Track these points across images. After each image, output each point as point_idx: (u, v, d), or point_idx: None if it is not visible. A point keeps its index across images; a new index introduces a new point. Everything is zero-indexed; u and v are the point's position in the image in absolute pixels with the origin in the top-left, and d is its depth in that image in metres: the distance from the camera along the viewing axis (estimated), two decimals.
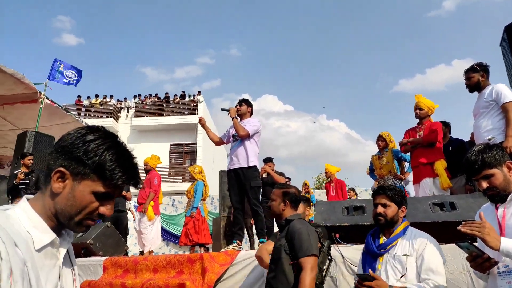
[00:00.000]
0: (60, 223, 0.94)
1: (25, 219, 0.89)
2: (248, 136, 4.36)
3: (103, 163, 0.91)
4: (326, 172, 7.70)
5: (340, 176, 7.71)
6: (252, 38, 51.61)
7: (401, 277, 2.07)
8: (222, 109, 4.53)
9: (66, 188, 0.92)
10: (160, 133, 20.23)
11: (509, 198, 1.78)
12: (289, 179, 7.51)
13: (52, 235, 0.92)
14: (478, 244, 1.87)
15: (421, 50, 55.04)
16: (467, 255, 1.77)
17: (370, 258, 2.28)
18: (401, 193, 2.31)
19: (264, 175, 6.23)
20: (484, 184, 1.80)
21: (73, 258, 1.06)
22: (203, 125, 4.54)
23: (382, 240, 2.26)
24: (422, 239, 2.14)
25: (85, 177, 0.91)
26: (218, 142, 4.70)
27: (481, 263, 1.71)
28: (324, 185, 8.86)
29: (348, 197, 9.83)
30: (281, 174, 6.59)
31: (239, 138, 4.38)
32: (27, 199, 0.94)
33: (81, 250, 4.38)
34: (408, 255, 2.10)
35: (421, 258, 2.08)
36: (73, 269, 1.04)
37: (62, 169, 0.91)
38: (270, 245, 2.68)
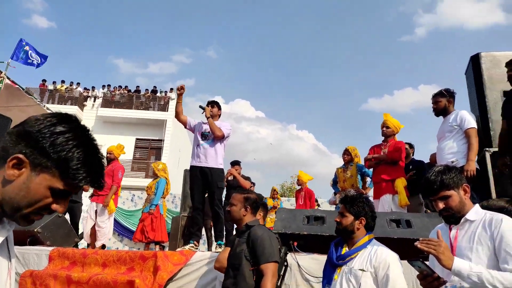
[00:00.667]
0: (3, 210, 0.84)
1: None
2: (223, 138, 4.34)
3: (69, 161, 0.84)
4: (298, 180, 7.66)
5: (308, 186, 7.70)
6: (231, 41, 51.60)
7: None
8: (201, 107, 4.43)
9: (21, 177, 0.83)
10: (127, 126, 19.72)
11: (462, 220, 1.83)
12: (254, 184, 7.47)
13: None
14: (430, 263, 1.91)
15: (391, 72, 57.13)
16: (418, 273, 1.79)
17: (329, 267, 2.26)
18: (362, 204, 2.28)
19: (229, 178, 6.15)
20: (441, 205, 1.85)
21: (11, 248, 0.96)
22: (180, 94, 4.32)
23: (344, 250, 2.24)
24: (384, 256, 2.08)
25: (45, 170, 0.83)
26: (182, 120, 4.48)
27: (431, 281, 1.74)
28: (286, 193, 8.89)
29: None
30: (247, 178, 6.53)
31: (211, 138, 4.32)
32: None
33: (28, 238, 4.13)
34: (364, 270, 2.05)
35: (385, 277, 2.02)
36: (9, 261, 0.94)
37: (21, 156, 0.82)
38: (227, 253, 2.63)
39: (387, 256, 2.07)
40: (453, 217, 1.85)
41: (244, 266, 2.25)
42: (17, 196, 0.83)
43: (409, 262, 1.79)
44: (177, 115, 4.48)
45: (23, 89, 8.61)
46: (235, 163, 6.51)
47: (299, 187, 7.71)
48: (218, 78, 52.34)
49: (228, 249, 2.67)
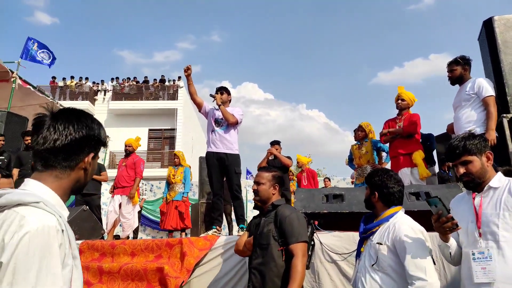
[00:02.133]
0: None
1: (51, 198, 0.98)
2: (237, 124, 4.37)
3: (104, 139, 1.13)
4: (298, 162, 7.82)
5: (319, 165, 7.91)
6: (234, 24, 51.05)
7: (372, 265, 2.01)
8: (211, 95, 4.44)
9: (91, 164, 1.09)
10: (139, 117, 19.87)
11: (485, 187, 1.84)
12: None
13: (67, 211, 1.03)
14: (453, 234, 1.92)
15: (400, 43, 55.94)
16: (434, 216, 1.82)
17: (360, 241, 2.26)
18: (376, 178, 2.20)
19: (270, 158, 6.03)
20: (461, 170, 1.86)
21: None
22: (188, 75, 4.28)
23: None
24: (402, 229, 1.97)
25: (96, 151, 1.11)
26: (198, 102, 4.49)
27: (445, 222, 1.77)
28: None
29: (324, 186, 10.06)
30: (288, 157, 6.29)
31: (225, 124, 4.36)
32: (38, 180, 1.01)
33: None
34: (381, 244, 2.02)
35: (403, 250, 1.91)
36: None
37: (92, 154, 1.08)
38: (245, 236, 2.59)
39: (405, 229, 1.97)
40: (473, 182, 1.85)
41: (272, 246, 2.23)
42: (88, 176, 1.11)
43: (427, 201, 1.82)
44: (192, 97, 4.49)
45: (35, 87, 8.71)
46: (275, 143, 6.30)
47: (300, 168, 7.88)
48: (224, 63, 52.13)
49: (247, 233, 2.62)
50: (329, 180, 10.22)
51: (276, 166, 6.00)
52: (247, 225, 2.85)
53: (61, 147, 1.01)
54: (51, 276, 0.86)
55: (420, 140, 4.98)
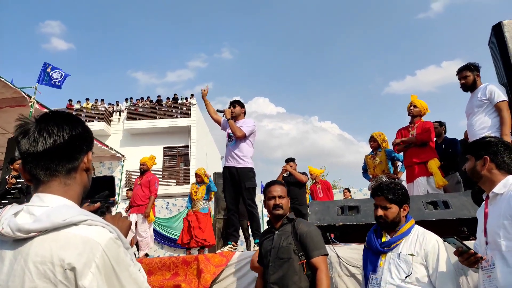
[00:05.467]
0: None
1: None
2: (245, 137, 4.37)
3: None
4: (311, 174, 7.75)
5: (335, 177, 7.84)
6: (244, 41, 51.73)
7: (406, 277, 2.01)
8: (218, 111, 4.51)
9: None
10: (153, 136, 20.13)
11: (490, 195, 1.83)
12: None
13: None
14: (473, 247, 1.93)
15: (411, 52, 55.66)
16: (456, 252, 1.85)
17: (371, 254, 2.23)
18: (401, 191, 2.20)
19: (285, 174, 6.23)
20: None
21: None
22: (204, 95, 4.45)
23: (385, 238, 2.20)
24: (434, 241, 2.07)
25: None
26: (216, 120, 4.64)
27: (467, 258, 1.79)
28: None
29: (344, 197, 9.91)
30: (303, 174, 6.52)
31: (235, 138, 4.39)
32: (51, 193, 0.94)
33: None
34: (414, 255, 2.03)
35: (436, 261, 2.00)
36: None
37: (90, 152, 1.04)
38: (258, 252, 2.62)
39: (436, 241, 2.07)
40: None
41: (294, 260, 2.24)
42: (90, 178, 1.07)
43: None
44: (211, 117, 4.65)
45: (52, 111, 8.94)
46: (290, 160, 6.54)
47: (314, 180, 7.78)
48: (235, 79, 52.71)
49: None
50: (349, 191, 10.01)
51: (291, 182, 6.06)
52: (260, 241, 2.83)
53: (61, 146, 0.94)
54: (134, 283, 0.88)
55: (443, 146, 4.91)
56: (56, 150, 0.94)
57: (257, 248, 4.01)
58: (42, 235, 0.84)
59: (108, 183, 1.28)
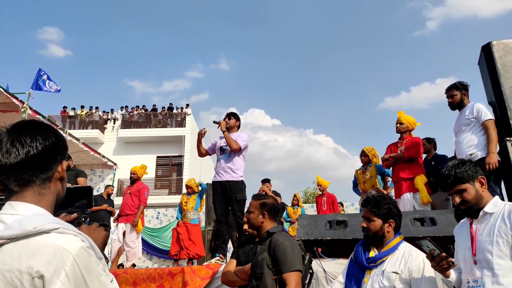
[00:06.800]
0: None
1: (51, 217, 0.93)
2: (240, 150, 4.37)
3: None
4: (319, 185, 7.64)
5: (329, 190, 7.68)
6: (241, 52, 52.04)
7: None
8: (214, 122, 4.51)
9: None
10: (147, 145, 20.07)
11: (481, 213, 1.82)
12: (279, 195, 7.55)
13: None
14: (455, 257, 1.92)
15: (406, 69, 56.26)
16: (428, 256, 1.85)
17: (357, 269, 2.19)
18: (388, 205, 2.16)
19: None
20: (457, 199, 1.85)
21: None
22: (201, 137, 4.48)
23: (372, 253, 2.16)
24: (419, 259, 2.01)
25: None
26: (203, 154, 4.70)
27: (439, 261, 1.79)
28: (310, 199, 8.81)
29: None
30: (278, 194, 6.78)
31: (229, 151, 4.38)
32: (25, 202, 0.93)
33: None
34: (397, 273, 1.98)
35: (420, 280, 1.95)
36: None
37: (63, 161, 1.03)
38: (231, 265, 2.59)
39: (422, 259, 2.00)
40: (471, 210, 1.84)
41: (266, 275, 2.17)
42: (64, 186, 1.07)
43: (417, 242, 1.84)
44: (199, 152, 4.66)
45: (45, 117, 8.94)
46: (265, 181, 6.89)
47: (321, 192, 7.67)
48: (231, 90, 52.80)
49: (233, 261, 2.62)
50: (342, 205, 9.94)
51: None
52: (233, 253, 2.80)
53: (34, 157, 0.93)
54: None
55: (433, 162, 4.93)
56: (30, 161, 0.93)
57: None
58: (11, 243, 0.82)
59: (85, 193, 1.27)
